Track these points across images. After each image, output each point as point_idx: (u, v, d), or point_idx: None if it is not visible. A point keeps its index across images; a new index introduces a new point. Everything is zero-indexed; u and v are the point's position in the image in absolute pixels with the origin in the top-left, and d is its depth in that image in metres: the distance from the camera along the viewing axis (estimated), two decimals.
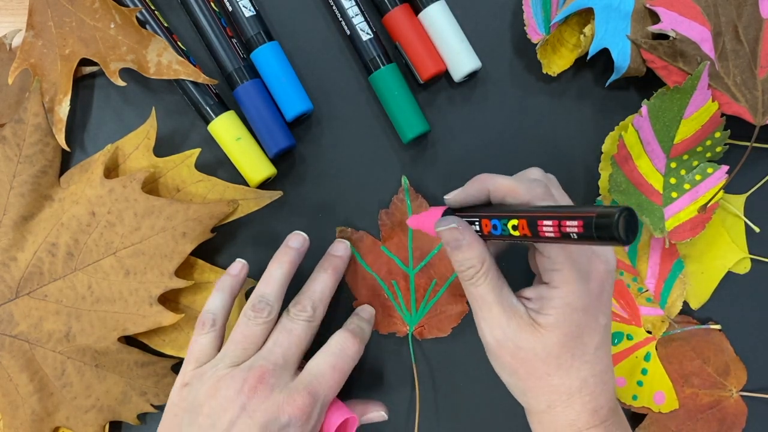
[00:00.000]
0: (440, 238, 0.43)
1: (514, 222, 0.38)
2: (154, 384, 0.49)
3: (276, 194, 0.50)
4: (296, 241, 0.49)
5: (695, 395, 0.51)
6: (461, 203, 0.44)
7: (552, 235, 0.35)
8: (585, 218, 0.33)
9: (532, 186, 0.41)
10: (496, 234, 0.40)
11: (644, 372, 0.51)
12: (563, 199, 0.43)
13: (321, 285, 0.47)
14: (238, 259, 0.49)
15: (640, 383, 0.51)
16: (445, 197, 0.45)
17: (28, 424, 0.48)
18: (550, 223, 0.35)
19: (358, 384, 0.51)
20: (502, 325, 0.41)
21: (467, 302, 0.50)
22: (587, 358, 0.41)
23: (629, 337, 0.51)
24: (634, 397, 0.51)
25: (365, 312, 0.50)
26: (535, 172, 0.44)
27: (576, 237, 0.33)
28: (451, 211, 0.44)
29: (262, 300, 0.46)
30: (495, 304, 0.41)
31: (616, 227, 0.31)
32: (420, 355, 0.52)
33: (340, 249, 0.50)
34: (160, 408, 0.50)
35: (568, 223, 0.34)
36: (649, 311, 0.51)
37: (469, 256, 0.41)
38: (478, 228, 0.41)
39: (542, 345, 0.40)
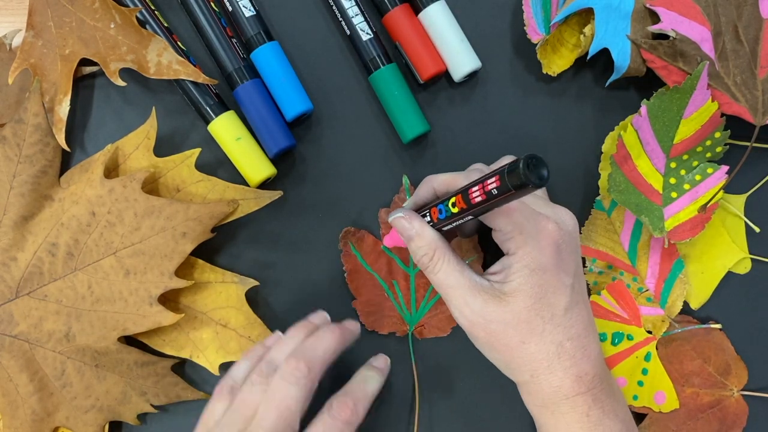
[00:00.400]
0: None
1: (453, 200, 0.41)
2: (154, 384, 0.49)
3: (276, 194, 0.50)
4: (318, 318, 0.49)
5: (696, 395, 0.51)
6: (415, 206, 0.46)
7: (480, 198, 0.38)
8: (499, 172, 0.36)
9: (469, 174, 0.44)
10: (442, 218, 0.42)
11: (644, 372, 0.51)
12: None
13: (324, 343, 0.45)
14: (277, 331, 0.48)
15: (640, 383, 0.51)
16: (402, 206, 0.47)
17: (28, 424, 0.48)
18: (476, 188, 0.38)
19: None
20: (469, 304, 0.42)
21: None
22: (558, 320, 0.42)
23: (629, 338, 0.51)
24: (635, 397, 0.50)
25: (379, 361, 0.49)
26: (476, 165, 0.47)
27: (497, 192, 0.37)
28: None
29: (270, 365, 0.45)
30: (457, 287, 0.42)
31: (522, 170, 0.34)
32: (420, 355, 0.52)
33: (352, 324, 0.48)
34: (160, 408, 0.50)
35: (489, 181, 0.37)
36: (649, 311, 0.51)
37: (420, 244, 0.43)
38: (429, 218, 0.44)
39: (510, 313, 0.42)
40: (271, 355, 0.45)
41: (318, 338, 0.46)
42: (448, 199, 0.42)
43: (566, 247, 0.43)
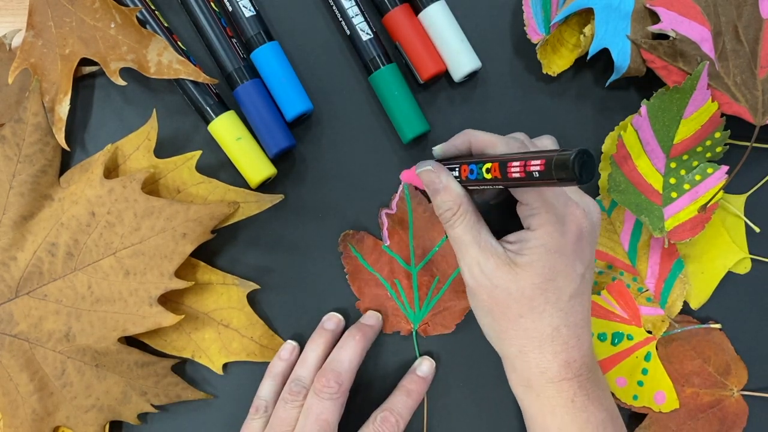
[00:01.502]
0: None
1: (488, 165, 0.40)
2: (154, 384, 0.49)
3: (277, 198, 0.50)
4: (331, 322, 0.51)
5: (696, 395, 0.51)
6: (445, 154, 0.46)
7: (518, 175, 0.38)
8: (546, 157, 0.35)
9: (509, 141, 0.43)
10: (472, 178, 0.42)
11: (644, 372, 0.51)
12: None
13: (349, 353, 0.48)
14: (288, 342, 0.51)
15: (640, 383, 0.51)
16: (432, 148, 0.47)
17: (28, 423, 0.48)
18: (517, 164, 0.37)
19: (365, 384, 0.51)
20: (480, 263, 0.42)
21: None
22: (561, 305, 0.42)
23: (629, 337, 0.51)
24: (635, 397, 0.50)
25: (423, 369, 0.51)
26: (518, 135, 0.45)
27: (538, 176, 0.36)
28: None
29: (298, 383, 0.47)
30: (472, 244, 0.42)
31: (572, 165, 0.33)
32: (425, 353, 0.52)
33: (372, 319, 0.51)
34: (160, 408, 0.50)
35: (533, 162, 0.36)
36: (649, 311, 0.51)
37: (445, 198, 0.43)
38: (457, 174, 0.43)
39: (516, 284, 0.42)
40: (297, 373, 0.48)
41: (341, 349, 0.48)
42: (484, 162, 0.41)
43: (588, 236, 0.43)
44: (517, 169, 0.38)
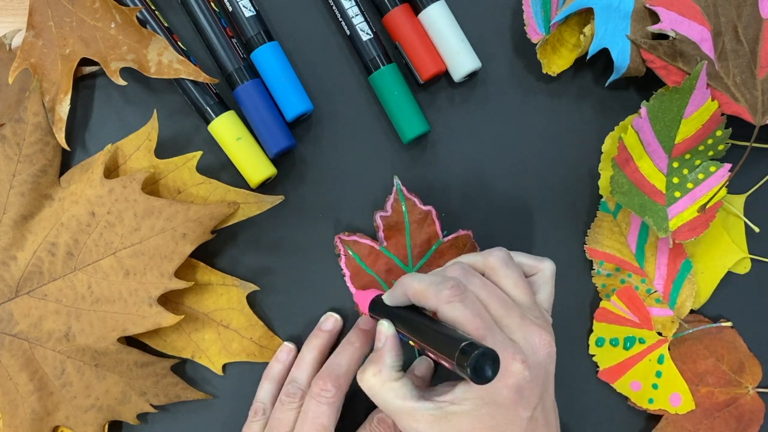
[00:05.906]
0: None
1: (411, 342, 0.42)
2: (153, 384, 0.49)
3: (278, 199, 0.50)
4: (329, 323, 0.51)
5: (711, 394, 0.51)
6: (393, 304, 0.44)
7: (436, 360, 0.40)
8: (451, 355, 0.37)
9: (439, 289, 0.40)
10: (405, 340, 0.43)
11: (658, 374, 0.50)
12: (485, 291, 0.42)
13: (347, 358, 0.47)
14: (285, 344, 0.51)
15: (655, 386, 0.50)
16: (383, 297, 0.45)
17: (27, 423, 0.48)
18: (431, 352, 0.39)
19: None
20: (414, 428, 0.41)
21: None
22: None
23: (641, 341, 0.51)
24: (650, 401, 0.50)
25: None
26: (453, 270, 0.43)
27: (450, 367, 0.37)
28: (379, 302, 0.46)
29: (295, 385, 0.48)
30: (399, 410, 0.41)
31: (469, 373, 0.35)
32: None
33: (371, 324, 0.49)
34: (160, 408, 0.50)
35: (441, 356, 0.38)
36: (658, 312, 0.51)
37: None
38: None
39: (458, 430, 0.40)
40: (293, 375, 0.48)
41: (340, 354, 0.47)
42: (408, 338, 0.42)
43: (529, 385, 0.40)
44: (433, 356, 0.39)
